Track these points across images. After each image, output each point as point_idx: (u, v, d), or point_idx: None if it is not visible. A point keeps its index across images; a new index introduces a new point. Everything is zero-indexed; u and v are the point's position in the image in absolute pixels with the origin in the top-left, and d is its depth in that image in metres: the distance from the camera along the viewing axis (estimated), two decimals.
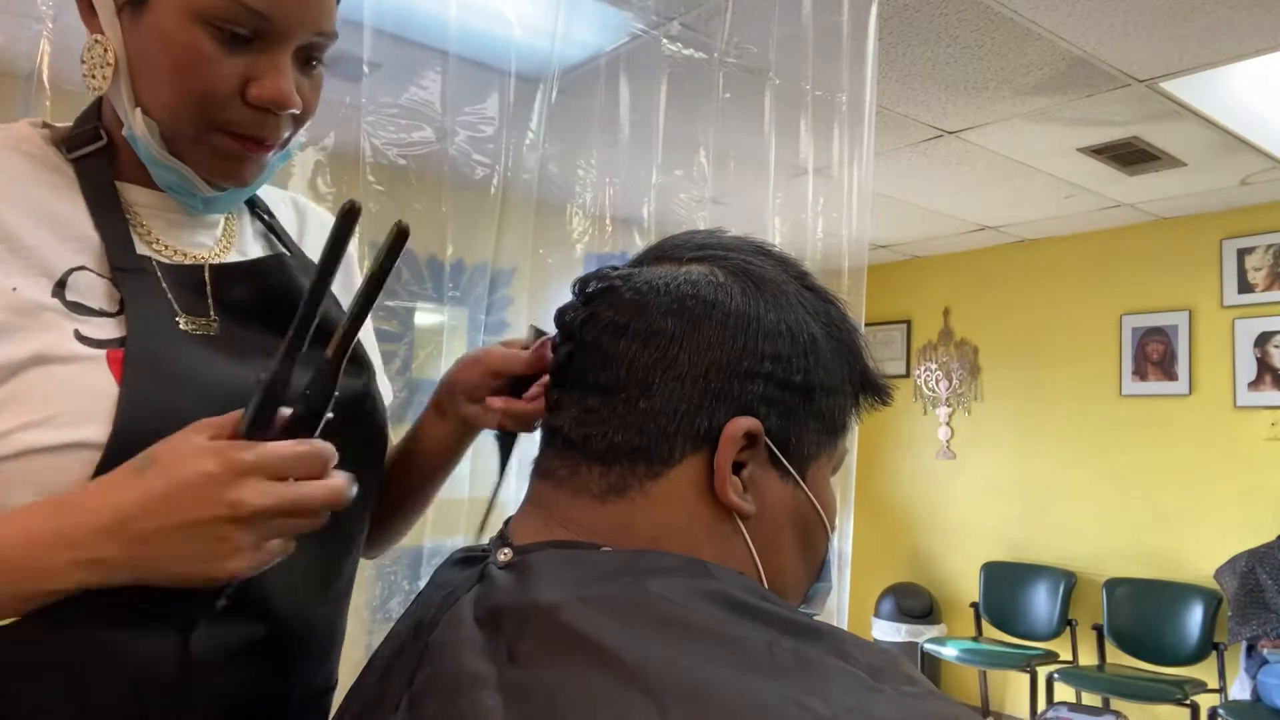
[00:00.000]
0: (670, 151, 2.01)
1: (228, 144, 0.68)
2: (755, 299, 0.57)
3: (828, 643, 0.48)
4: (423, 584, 0.66)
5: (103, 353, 0.63)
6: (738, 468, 0.55)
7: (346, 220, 0.58)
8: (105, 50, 0.67)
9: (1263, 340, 3.65)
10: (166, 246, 0.71)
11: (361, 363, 0.80)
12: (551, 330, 0.65)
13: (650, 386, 0.55)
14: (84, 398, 0.61)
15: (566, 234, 2.08)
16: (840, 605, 2.04)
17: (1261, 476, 3.59)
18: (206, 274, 0.71)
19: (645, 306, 0.56)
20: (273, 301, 0.73)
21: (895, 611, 4.47)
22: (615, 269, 0.61)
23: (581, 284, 0.61)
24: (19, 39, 1.41)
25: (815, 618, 0.54)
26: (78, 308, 0.64)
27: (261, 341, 0.71)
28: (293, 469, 0.55)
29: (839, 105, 2.07)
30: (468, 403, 0.80)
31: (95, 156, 0.70)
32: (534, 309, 2.11)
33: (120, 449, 0.59)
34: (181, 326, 0.68)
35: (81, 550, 0.54)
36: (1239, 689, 3.39)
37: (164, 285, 0.68)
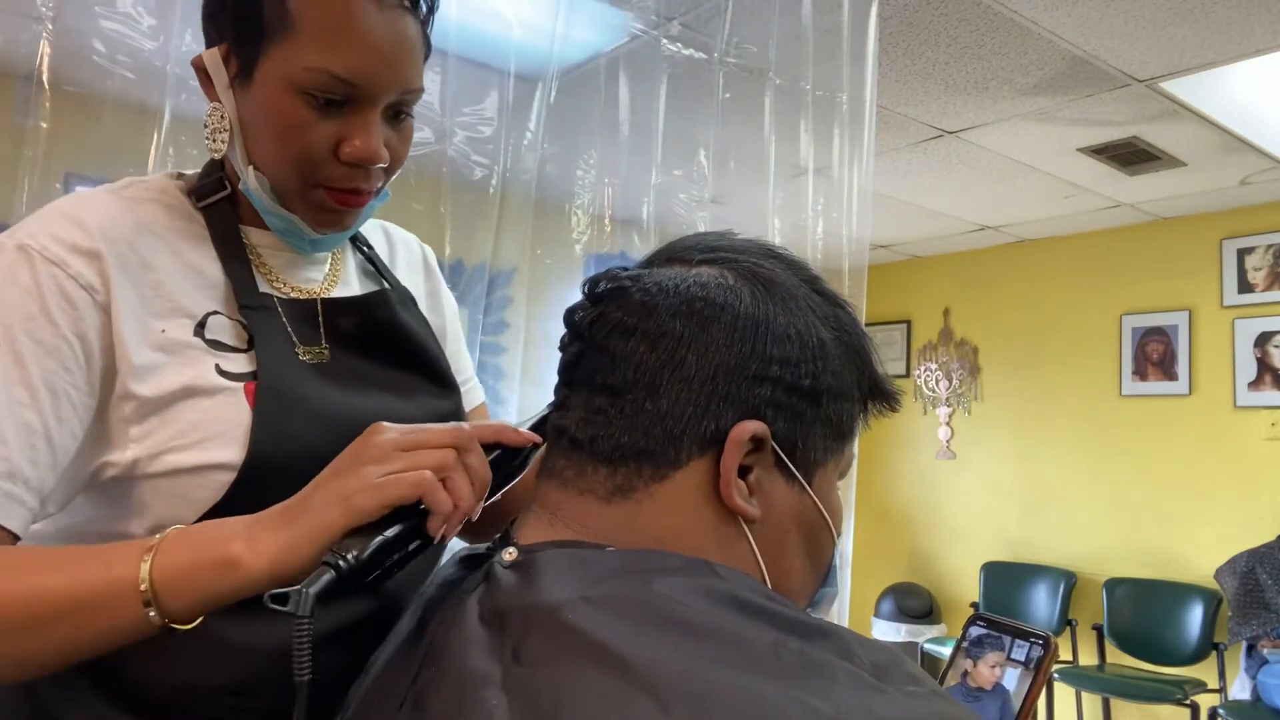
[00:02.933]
0: (670, 151, 2.01)
1: (326, 201, 0.76)
2: (765, 302, 0.57)
3: (832, 643, 0.48)
4: (428, 584, 0.66)
5: (240, 385, 0.72)
6: (744, 471, 0.55)
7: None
8: (222, 117, 0.76)
9: (1263, 340, 3.65)
10: (285, 283, 0.81)
11: (449, 385, 0.86)
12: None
13: (658, 388, 0.54)
14: (224, 425, 0.70)
15: (566, 234, 2.08)
16: (841, 605, 2.04)
17: (1261, 476, 3.59)
18: (319, 307, 0.80)
19: (654, 308, 0.56)
20: (377, 332, 0.82)
21: (895, 611, 4.47)
22: (625, 269, 0.61)
23: (591, 284, 0.60)
24: (19, 39, 1.41)
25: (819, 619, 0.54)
26: (217, 345, 0.73)
27: (367, 368, 0.80)
28: (431, 439, 0.60)
29: (839, 105, 2.07)
30: None
31: (221, 205, 0.79)
32: (533, 309, 2.11)
33: (252, 468, 0.68)
34: (300, 357, 0.77)
35: (250, 527, 0.59)
36: (1239, 689, 3.39)
37: (284, 320, 0.77)
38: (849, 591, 2.27)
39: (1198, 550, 3.70)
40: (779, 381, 0.55)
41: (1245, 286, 3.72)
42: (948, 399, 4.74)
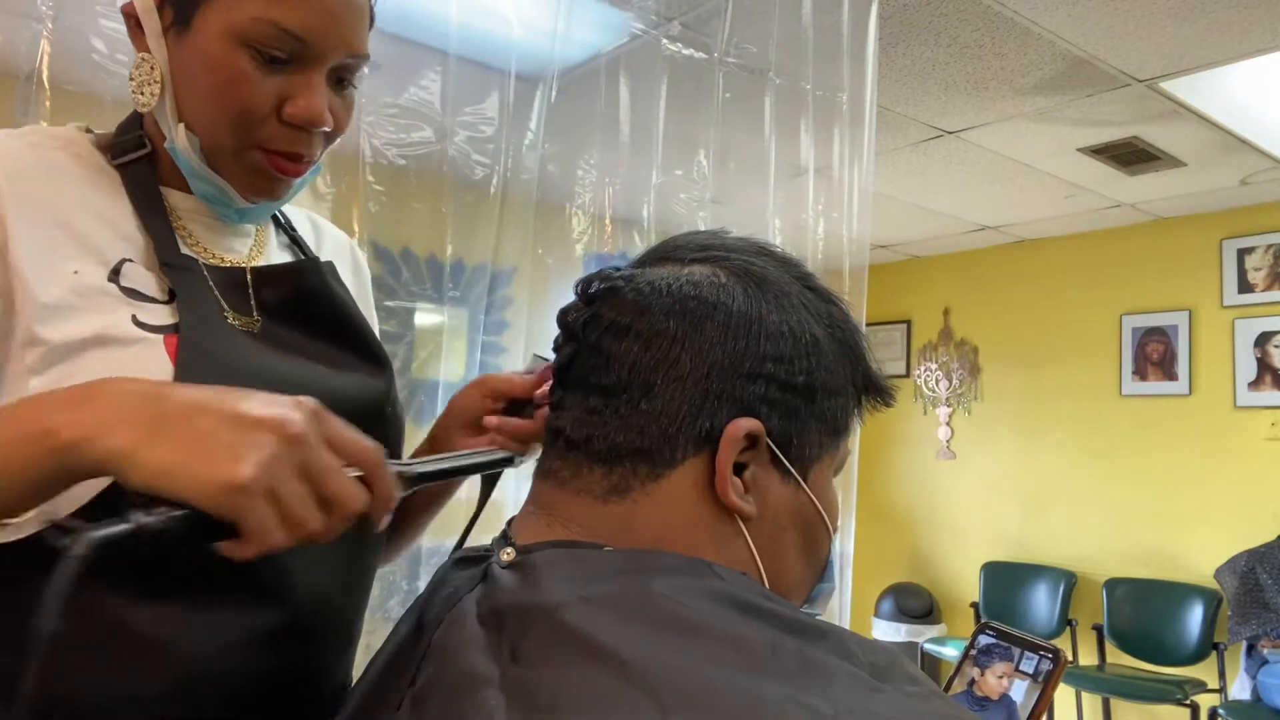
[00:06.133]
0: (670, 152, 2.01)
1: (263, 165, 0.72)
2: (757, 300, 0.57)
3: (831, 642, 0.48)
4: (422, 584, 0.66)
5: (159, 337, 0.66)
6: (739, 469, 0.55)
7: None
8: (152, 69, 0.71)
9: (1263, 340, 3.65)
10: (206, 249, 0.75)
11: (382, 363, 0.81)
12: (551, 357, 0.66)
13: (652, 387, 0.55)
14: (144, 374, 0.60)
15: (566, 234, 2.08)
16: (841, 605, 2.04)
17: (1261, 476, 3.59)
18: (248, 276, 0.75)
19: (647, 307, 0.56)
20: (308, 303, 0.78)
21: (895, 611, 4.47)
22: (618, 269, 0.61)
23: (584, 284, 0.60)
24: (19, 39, 1.41)
25: (817, 617, 0.54)
26: (133, 294, 0.67)
27: (298, 339, 0.75)
28: (351, 450, 0.53)
29: (839, 105, 2.07)
30: (463, 433, 0.81)
31: (139, 163, 0.74)
32: (534, 309, 2.11)
33: None
34: (230, 321, 0.71)
35: (87, 403, 0.50)
36: (1239, 689, 3.39)
37: (210, 283, 0.72)
38: (849, 591, 2.27)
39: (1198, 550, 3.70)
40: (773, 379, 0.55)
41: (1245, 286, 3.72)
42: (948, 399, 4.74)
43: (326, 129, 0.73)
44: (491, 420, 0.78)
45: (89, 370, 0.62)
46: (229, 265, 0.75)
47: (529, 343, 2.08)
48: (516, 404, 0.79)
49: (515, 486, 2.08)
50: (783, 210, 2.12)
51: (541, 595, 0.50)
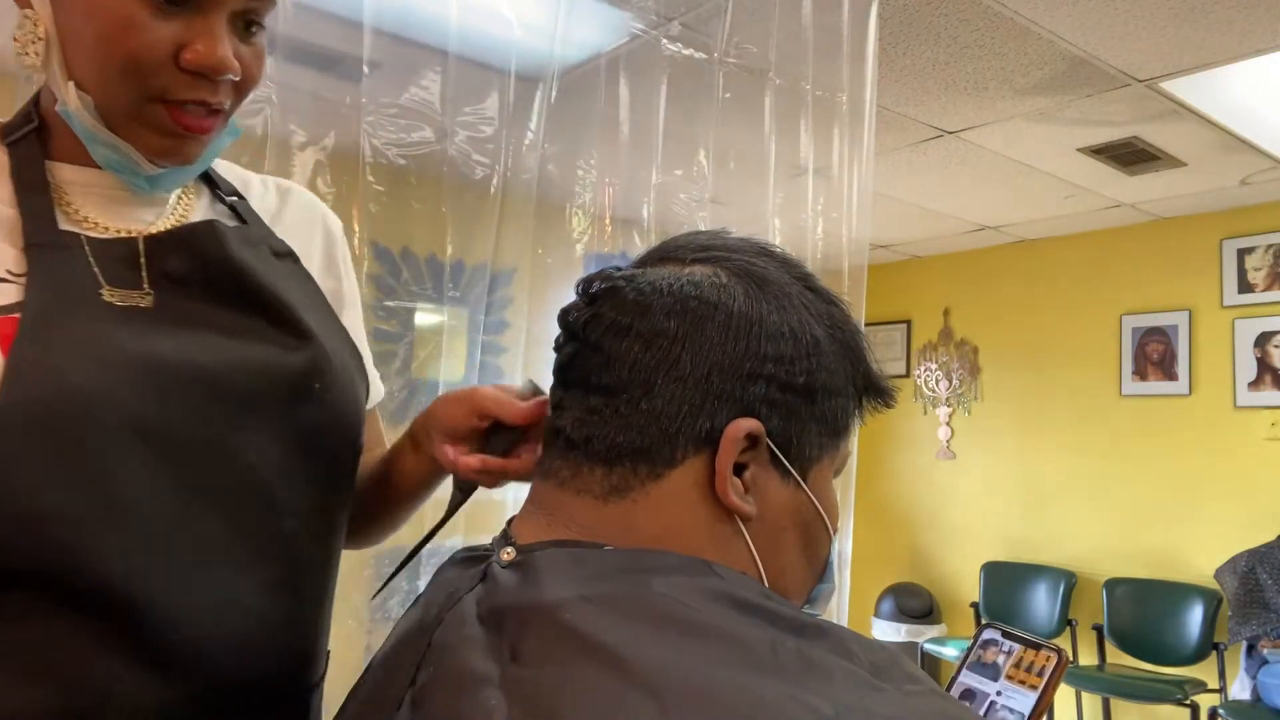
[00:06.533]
0: (670, 151, 2.00)
1: (165, 121, 0.66)
2: (758, 300, 0.57)
3: (831, 641, 0.48)
4: (422, 584, 0.66)
5: None
6: (739, 469, 0.55)
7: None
8: (35, 25, 0.65)
9: (1263, 340, 3.65)
10: (98, 224, 0.69)
11: (303, 334, 0.73)
12: (546, 388, 0.65)
13: (652, 387, 0.55)
14: None
15: (566, 234, 2.08)
16: (840, 605, 2.04)
17: (1261, 476, 3.59)
18: (140, 246, 0.69)
19: (648, 307, 0.56)
20: (210, 272, 0.70)
21: (895, 611, 4.47)
22: (619, 269, 0.61)
23: (585, 284, 0.60)
24: None
25: (817, 617, 0.54)
26: None
27: (200, 311, 0.69)
28: None
29: (839, 105, 2.07)
30: (444, 442, 0.77)
31: (27, 139, 0.69)
32: (534, 309, 2.11)
33: (6, 419, 0.57)
34: (105, 298, 0.65)
35: None
36: (1239, 689, 3.39)
37: (90, 259, 0.66)
38: (849, 591, 2.27)
39: (1198, 550, 3.70)
40: (773, 379, 0.55)
41: (1245, 286, 3.72)
42: (948, 399, 4.74)
43: (233, 76, 0.67)
44: (472, 462, 0.74)
45: None
46: (120, 237, 0.69)
47: (529, 343, 2.08)
48: (499, 429, 0.75)
49: (516, 486, 2.08)
50: (782, 210, 2.12)
51: (542, 595, 0.50)
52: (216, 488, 0.66)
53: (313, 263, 0.82)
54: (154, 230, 0.71)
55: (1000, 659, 0.75)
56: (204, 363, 0.66)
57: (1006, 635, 0.76)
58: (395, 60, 1.68)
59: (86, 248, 0.67)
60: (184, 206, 0.75)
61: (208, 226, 0.72)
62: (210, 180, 0.80)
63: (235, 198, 0.80)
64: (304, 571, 0.74)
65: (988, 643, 0.77)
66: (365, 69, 1.61)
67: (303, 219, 0.85)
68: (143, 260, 0.68)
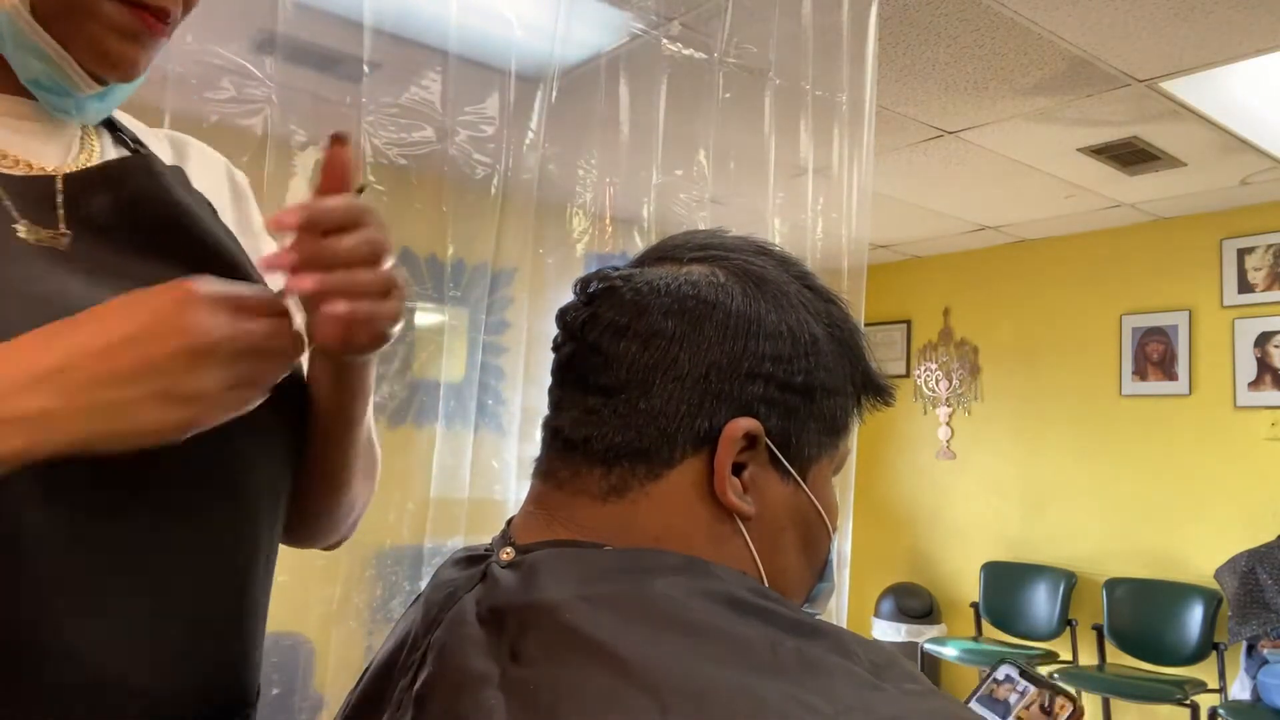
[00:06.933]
0: (670, 151, 2.01)
1: (121, 19, 0.59)
2: (756, 300, 0.57)
3: (830, 641, 0.48)
4: (424, 584, 0.66)
5: None
6: (738, 469, 0.55)
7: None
8: None
9: (1263, 340, 3.65)
10: (6, 156, 0.61)
11: (249, 280, 0.66)
12: None
13: (650, 387, 0.55)
14: None
15: (567, 234, 2.08)
16: (840, 605, 2.04)
17: (1261, 476, 3.59)
18: (59, 183, 0.62)
19: (646, 307, 0.56)
20: (136, 209, 0.63)
21: (895, 611, 4.47)
22: (616, 269, 0.61)
23: (583, 284, 0.60)
24: None
25: (817, 617, 0.54)
26: None
27: (118, 258, 0.61)
28: (256, 307, 0.50)
29: (839, 105, 2.07)
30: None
31: None
32: (534, 309, 2.11)
33: None
34: (20, 235, 0.58)
35: (17, 402, 0.45)
36: (1239, 689, 3.39)
37: (2, 193, 0.59)
38: (849, 591, 2.27)
39: (1198, 550, 3.70)
40: (771, 378, 0.55)
41: (1245, 286, 3.72)
42: (948, 399, 4.74)
43: None
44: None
45: None
46: (34, 174, 0.62)
47: (530, 342, 2.09)
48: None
49: (516, 486, 2.08)
50: (782, 210, 2.12)
51: (541, 595, 0.50)
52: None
53: (224, 214, 0.73)
54: (69, 168, 0.63)
55: (1013, 698, 0.74)
56: None
57: (1024, 674, 0.75)
58: (395, 60, 1.69)
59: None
60: (88, 148, 0.67)
61: (142, 162, 0.65)
62: (112, 124, 0.71)
63: (139, 146, 0.72)
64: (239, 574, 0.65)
65: (1003, 679, 0.76)
66: (365, 69, 1.62)
67: (209, 172, 0.77)
68: (60, 199, 0.61)
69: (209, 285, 0.48)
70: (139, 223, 0.63)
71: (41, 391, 0.45)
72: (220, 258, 0.65)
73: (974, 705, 0.76)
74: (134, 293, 0.49)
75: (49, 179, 0.61)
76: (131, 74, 0.62)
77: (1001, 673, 0.76)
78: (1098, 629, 3.89)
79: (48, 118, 0.63)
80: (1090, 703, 3.89)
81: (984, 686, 0.76)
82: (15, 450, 0.45)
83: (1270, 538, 3.45)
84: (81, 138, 0.67)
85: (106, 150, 0.68)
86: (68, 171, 0.62)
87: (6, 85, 0.61)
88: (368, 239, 0.57)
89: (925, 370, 4.86)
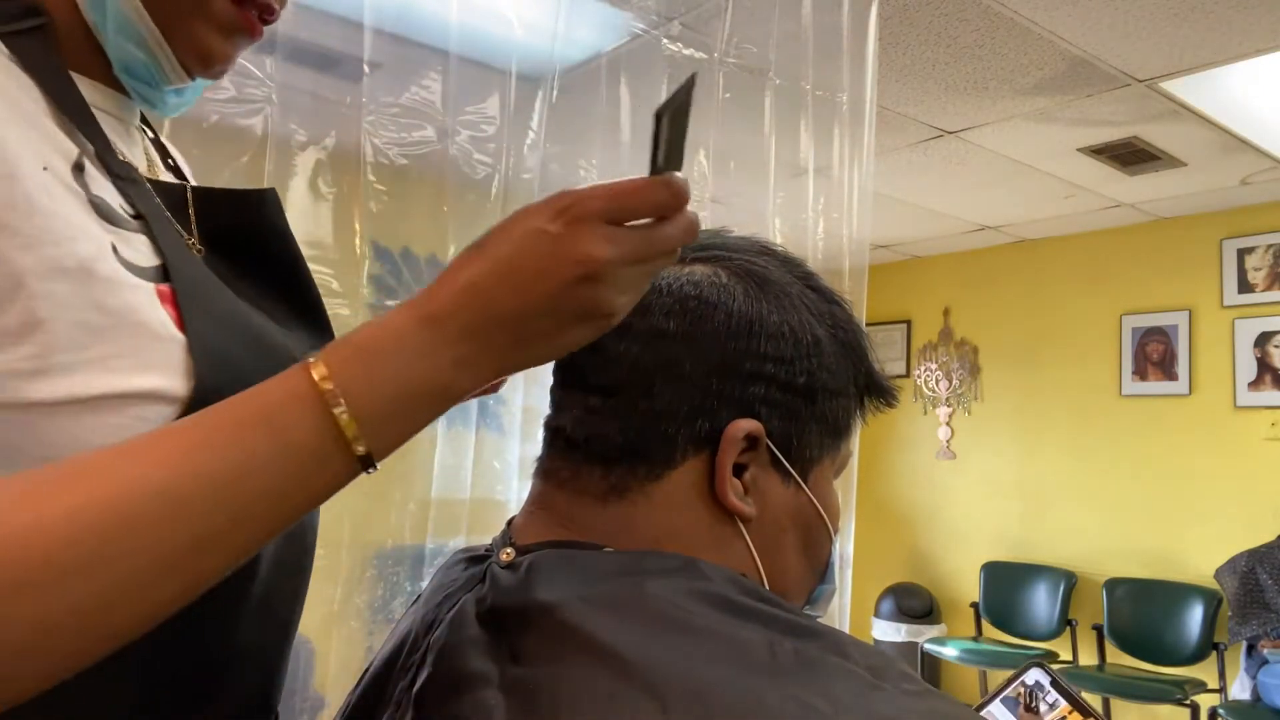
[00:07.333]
0: None
1: (229, 17, 0.58)
2: (758, 300, 0.56)
3: (826, 642, 0.48)
4: (425, 585, 0.66)
5: (150, 285, 0.50)
6: (739, 470, 0.55)
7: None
8: None
9: (1263, 340, 3.65)
10: (122, 156, 0.56)
11: (327, 328, 0.67)
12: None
13: (651, 387, 0.54)
14: (145, 339, 0.47)
15: None
16: (842, 606, 2.04)
17: (1261, 476, 3.59)
18: (189, 195, 0.60)
19: (647, 307, 0.56)
20: (256, 238, 0.63)
21: (895, 611, 4.47)
22: None
23: None
24: None
25: (817, 619, 0.54)
26: (104, 212, 0.50)
27: (238, 281, 0.59)
28: (642, 208, 0.47)
29: (839, 105, 2.07)
30: None
31: (31, 37, 0.52)
32: None
33: (201, 406, 0.46)
34: (193, 252, 0.57)
35: (458, 346, 0.45)
36: (1239, 689, 3.39)
37: (157, 200, 0.56)
38: (849, 592, 2.27)
39: (1198, 550, 3.70)
40: (773, 379, 0.55)
41: (1245, 286, 3.72)
42: (948, 399, 4.74)
43: None
44: None
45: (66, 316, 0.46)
46: (166, 182, 0.60)
47: None
48: None
49: (518, 486, 2.08)
50: (783, 210, 2.12)
51: (541, 595, 0.50)
52: None
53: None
54: (161, 178, 0.61)
55: (1043, 708, 0.73)
56: (280, 341, 0.58)
57: (1055, 685, 0.74)
58: (396, 60, 1.69)
59: (149, 188, 0.56)
60: (147, 149, 0.64)
61: (272, 196, 0.65)
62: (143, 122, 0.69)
63: (167, 148, 0.69)
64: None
65: (1034, 686, 0.75)
66: (366, 69, 1.62)
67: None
68: (191, 212, 0.59)
69: (596, 201, 0.46)
70: (254, 252, 0.62)
71: (465, 341, 0.46)
72: (309, 289, 0.65)
73: (996, 705, 0.75)
74: (520, 219, 0.47)
75: (181, 189, 0.60)
76: (222, 72, 0.61)
77: (1031, 677, 0.75)
78: (1098, 629, 3.89)
79: (119, 110, 0.60)
80: (1090, 703, 3.88)
81: (1010, 687, 0.75)
82: (464, 389, 0.46)
83: (1270, 538, 3.46)
84: (137, 138, 0.64)
85: (150, 152, 0.66)
86: (192, 185, 0.61)
87: (94, 70, 0.57)
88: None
89: (925, 370, 4.86)
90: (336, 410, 0.42)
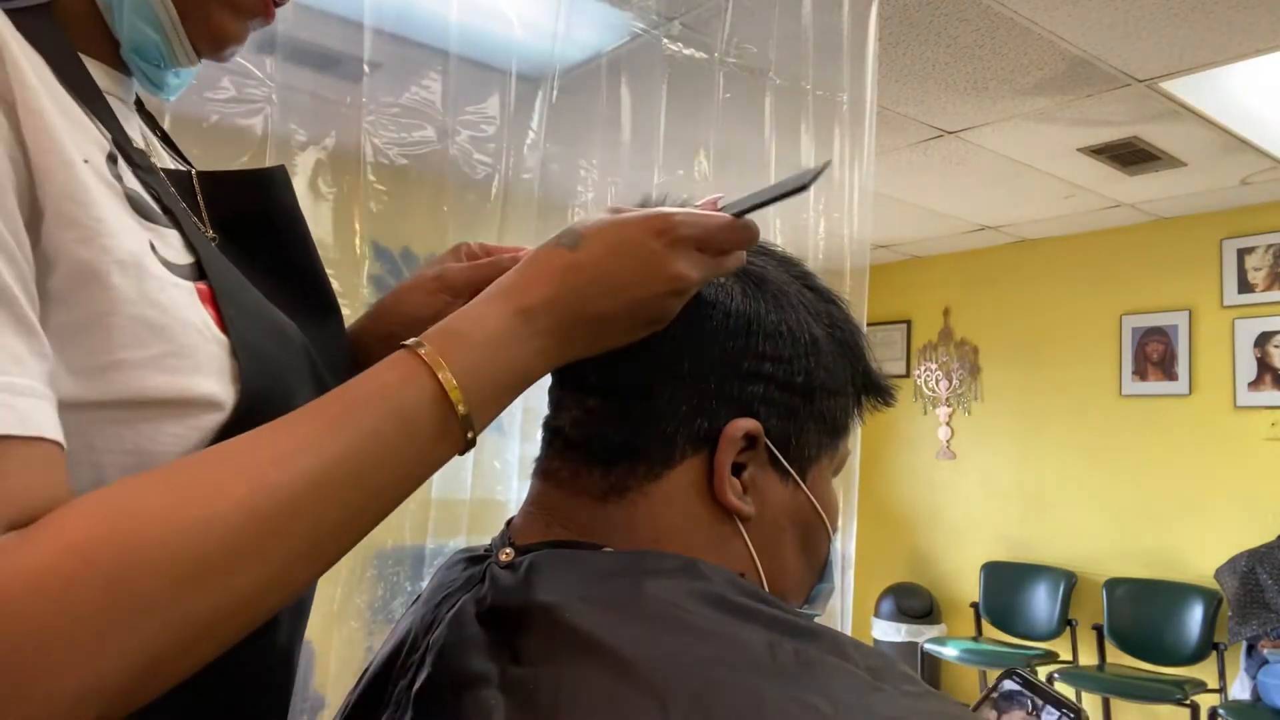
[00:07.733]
0: (671, 151, 2.01)
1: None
2: (756, 299, 0.57)
3: (826, 643, 0.48)
4: (425, 585, 0.66)
5: (191, 284, 0.48)
6: (738, 469, 0.55)
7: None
8: None
9: (1263, 340, 3.65)
10: (133, 142, 0.54)
11: (334, 308, 0.66)
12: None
13: (650, 387, 0.54)
14: (197, 339, 0.46)
15: None
16: (843, 606, 2.04)
17: (1261, 476, 3.59)
18: (195, 182, 0.59)
19: None
20: (267, 223, 0.61)
21: (895, 611, 4.48)
22: None
23: None
24: None
25: (816, 618, 0.54)
26: (139, 205, 0.48)
27: (248, 270, 0.56)
28: (726, 244, 0.54)
29: (839, 105, 2.07)
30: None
31: (36, 15, 0.49)
32: None
33: (248, 413, 0.46)
34: (215, 244, 0.56)
35: (545, 337, 0.50)
36: (1239, 689, 3.39)
37: (173, 190, 0.54)
38: (850, 592, 2.27)
39: (1198, 550, 3.70)
40: (771, 379, 0.55)
41: (1245, 286, 3.72)
42: (948, 399, 4.74)
43: None
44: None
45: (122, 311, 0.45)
46: (174, 169, 0.58)
47: None
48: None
49: (518, 486, 2.08)
50: (783, 210, 2.12)
51: (541, 595, 0.50)
52: None
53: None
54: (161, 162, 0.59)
55: (1016, 709, 0.73)
56: (295, 334, 0.57)
57: (1028, 685, 0.74)
58: (396, 60, 1.69)
59: (164, 177, 0.55)
60: (139, 128, 0.61)
61: (282, 174, 0.63)
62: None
63: (163, 130, 0.66)
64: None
65: (1008, 691, 0.75)
66: (365, 69, 1.61)
67: None
68: (200, 199, 0.58)
69: (694, 230, 0.52)
70: (270, 234, 0.61)
71: (552, 334, 0.50)
72: (316, 276, 0.65)
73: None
74: (614, 226, 0.52)
75: (187, 175, 0.59)
76: (232, 54, 0.60)
77: (1005, 688, 0.76)
78: (1098, 629, 3.89)
79: (121, 92, 0.57)
80: (1090, 703, 3.89)
81: (986, 711, 0.76)
82: (540, 376, 0.51)
83: (1270, 538, 3.46)
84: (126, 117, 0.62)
85: (146, 132, 0.62)
86: (198, 171, 0.60)
87: (96, 50, 0.55)
88: None
89: (925, 370, 4.86)
90: (453, 393, 0.45)
